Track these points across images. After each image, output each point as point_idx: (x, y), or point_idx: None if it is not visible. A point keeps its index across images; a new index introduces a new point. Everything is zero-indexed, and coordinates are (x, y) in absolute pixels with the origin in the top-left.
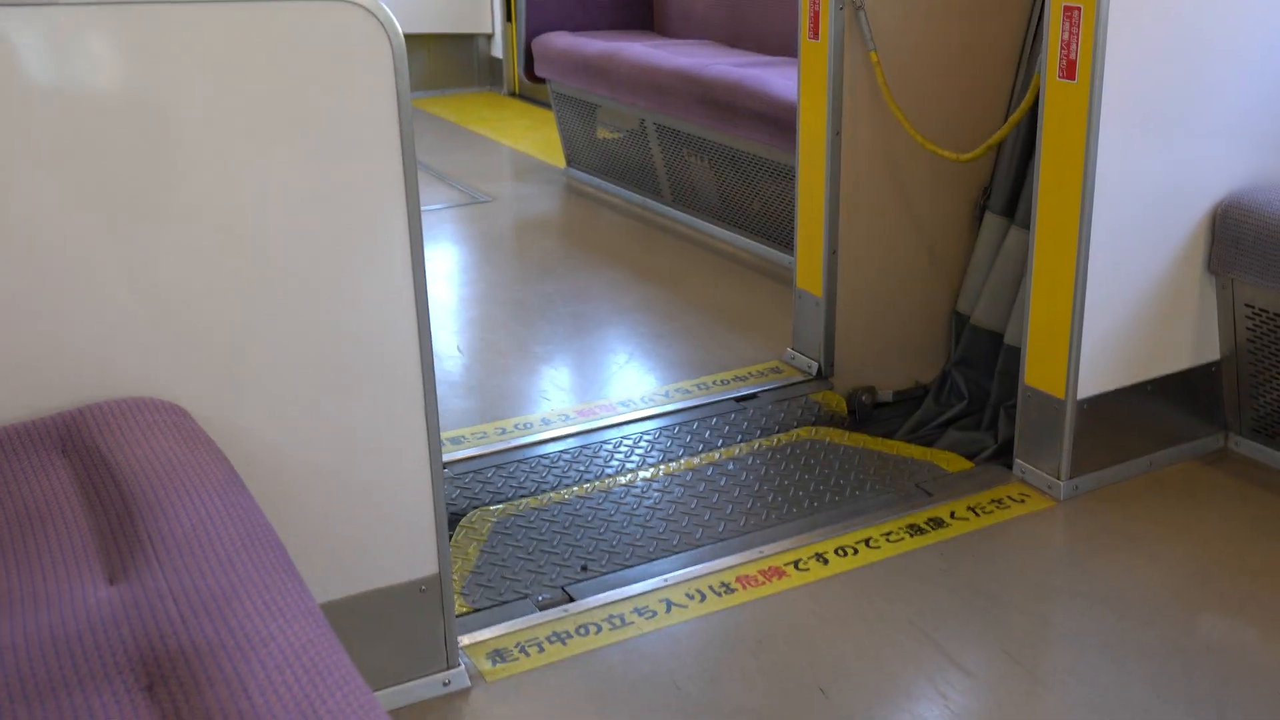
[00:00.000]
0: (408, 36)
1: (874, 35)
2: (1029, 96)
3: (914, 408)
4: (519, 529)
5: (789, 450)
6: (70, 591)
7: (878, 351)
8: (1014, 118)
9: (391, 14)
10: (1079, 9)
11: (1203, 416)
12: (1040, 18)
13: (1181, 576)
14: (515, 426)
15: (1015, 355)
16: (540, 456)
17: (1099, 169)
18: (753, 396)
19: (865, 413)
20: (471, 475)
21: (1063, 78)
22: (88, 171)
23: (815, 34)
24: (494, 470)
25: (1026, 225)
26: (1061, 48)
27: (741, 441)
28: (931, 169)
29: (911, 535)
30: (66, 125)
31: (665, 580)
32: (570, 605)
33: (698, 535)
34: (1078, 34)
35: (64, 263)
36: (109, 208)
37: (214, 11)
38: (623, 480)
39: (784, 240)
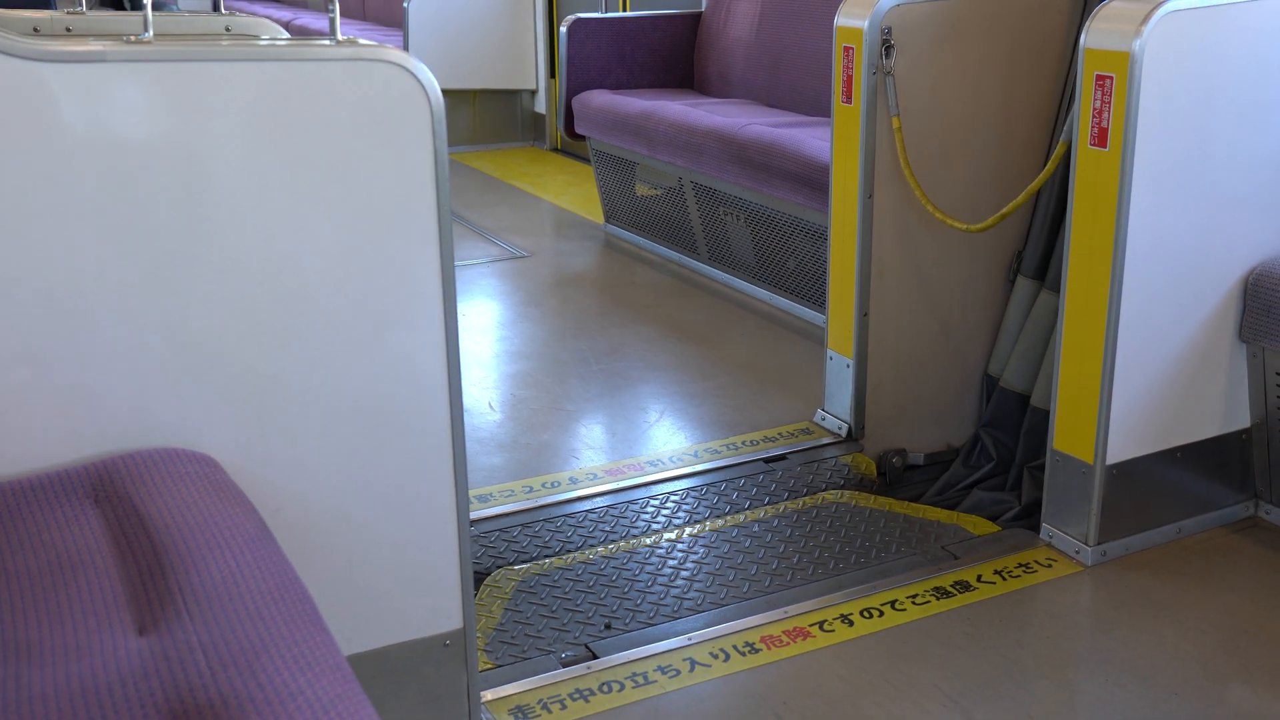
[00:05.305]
0: (454, 92)
1: (907, 100)
2: (1049, 166)
3: (945, 470)
4: (543, 588)
5: (815, 512)
6: (100, 643)
7: (909, 414)
8: (1031, 187)
9: (430, 73)
10: (1111, 78)
11: (1233, 484)
12: (1067, 80)
13: (1210, 646)
14: (543, 485)
15: (1041, 417)
16: (566, 516)
17: (1130, 236)
18: (782, 458)
19: (895, 475)
20: (497, 534)
21: (1094, 145)
22: (126, 223)
23: (848, 98)
24: (519, 529)
25: (1056, 289)
26: (1093, 115)
27: (769, 504)
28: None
29: (938, 598)
30: (107, 177)
31: (689, 639)
32: (594, 662)
33: (722, 595)
34: (1110, 102)
35: (99, 312)
36: (145, 259)
37: (254, 69)
38: (648, 541)
39: (819, 299)
